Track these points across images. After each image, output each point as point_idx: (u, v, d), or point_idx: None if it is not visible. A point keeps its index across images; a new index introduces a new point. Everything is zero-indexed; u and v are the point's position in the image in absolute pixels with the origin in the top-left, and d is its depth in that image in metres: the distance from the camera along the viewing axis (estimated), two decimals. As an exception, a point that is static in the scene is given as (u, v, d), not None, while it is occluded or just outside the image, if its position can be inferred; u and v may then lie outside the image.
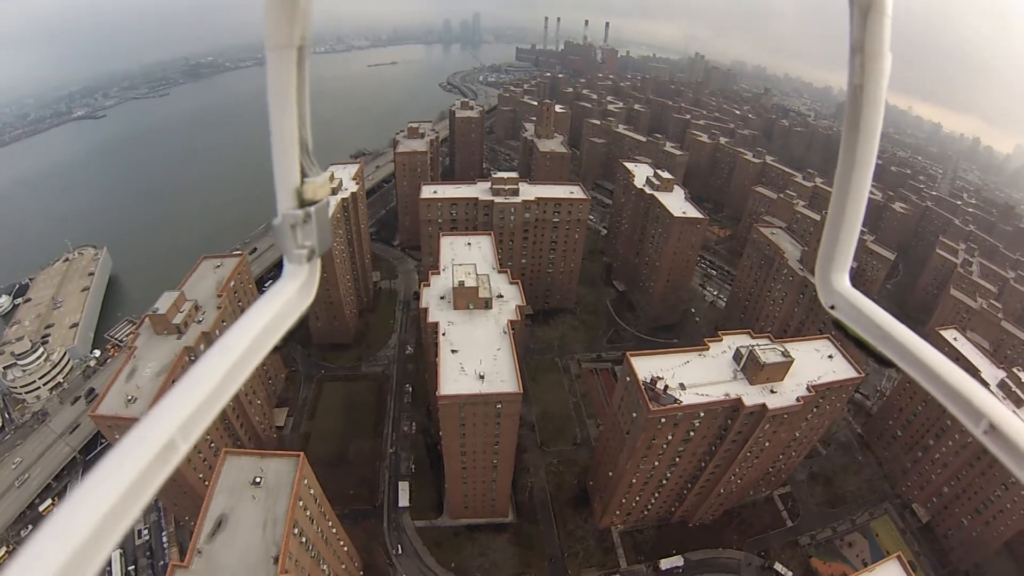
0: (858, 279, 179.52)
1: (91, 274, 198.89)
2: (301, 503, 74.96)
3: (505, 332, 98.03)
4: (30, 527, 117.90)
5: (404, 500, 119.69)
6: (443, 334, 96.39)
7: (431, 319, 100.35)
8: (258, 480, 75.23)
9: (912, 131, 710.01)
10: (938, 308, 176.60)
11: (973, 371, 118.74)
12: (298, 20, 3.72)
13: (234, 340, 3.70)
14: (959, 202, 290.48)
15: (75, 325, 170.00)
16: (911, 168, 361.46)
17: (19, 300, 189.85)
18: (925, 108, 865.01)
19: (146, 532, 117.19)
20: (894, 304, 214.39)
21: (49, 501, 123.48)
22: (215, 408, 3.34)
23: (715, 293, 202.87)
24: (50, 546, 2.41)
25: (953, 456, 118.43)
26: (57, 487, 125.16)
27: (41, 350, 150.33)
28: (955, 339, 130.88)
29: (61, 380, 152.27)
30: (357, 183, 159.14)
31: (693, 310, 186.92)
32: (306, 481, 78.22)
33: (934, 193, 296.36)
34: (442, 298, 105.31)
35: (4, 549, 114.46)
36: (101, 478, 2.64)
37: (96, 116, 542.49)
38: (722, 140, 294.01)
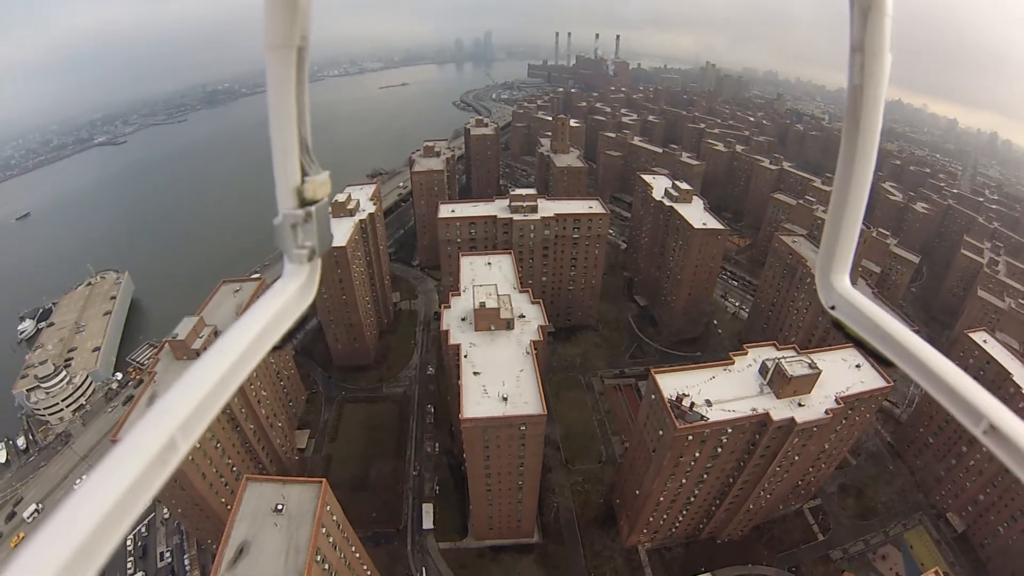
0: (882, 284, 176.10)
1: (113, 298, 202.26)
2: (324, 530, 73.72)
3: (528, 353, 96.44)
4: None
5: (428, 522, 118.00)
6: (465, 356, 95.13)
7: (452, 341, 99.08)
8: (280, 507, 74.12)
9: (928, 129, 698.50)
10: (965, 310, 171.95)
11: (1004, 374, 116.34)
12: (298, 20, 3.70)
13: (234, 339, 3.66)
14: (981, 199, 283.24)
15: (97, 349, 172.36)
16: (930, 167, 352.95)
17: (43, 324, 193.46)
18: (940, 105, 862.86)
19: (168, 555, 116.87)
20: (920, 308, 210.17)
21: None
22: (215, 407, 3.32)
23: (737, 304, 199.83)
24: (51, 545, 2.40)
25: (988, 462, 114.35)
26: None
27: (64, 373, 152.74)
28: (984, 341, 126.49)
29: (84, 403, 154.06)
30: (374, 203, 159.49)
31: (715, 322, 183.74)
32: (329, 508, 76.97)
33: (955, 191, 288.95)
34: (463, 319, 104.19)
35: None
36: (102, 478, 2.66)
37: (117, 142, 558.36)
38: (738, 148, 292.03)
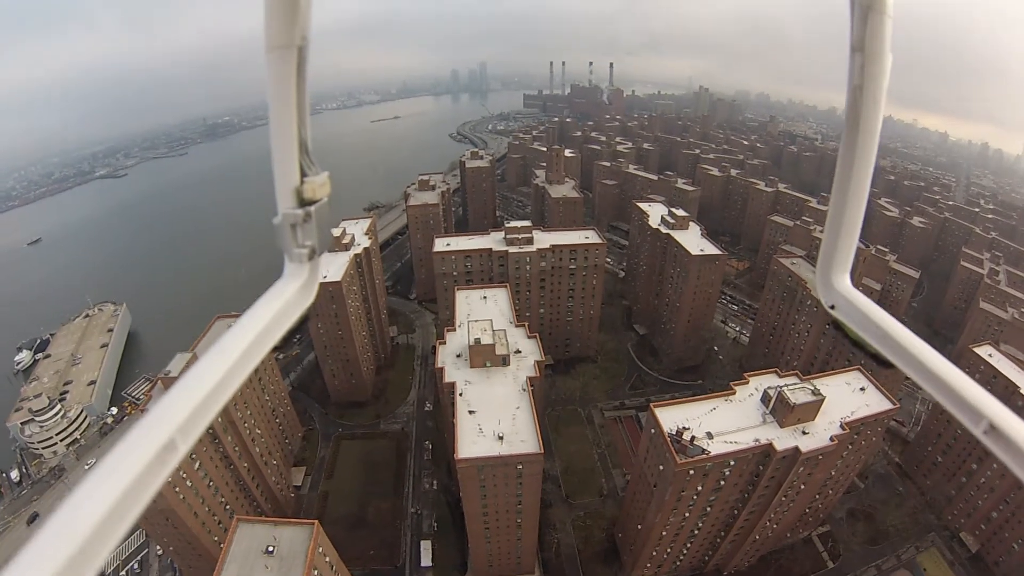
0: (883, 301, 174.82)
1: (110, 330, 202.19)
2: (316, 572, 72.29)
3: (524, 390, 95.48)
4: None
5: (427, 560, 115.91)
6: (460, 394, 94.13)
7: (447, 379, 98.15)
8: (271, 549, 72.91)
9: (920, 143, 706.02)
10: (968, 323, 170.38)
11: (1012, 388, 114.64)
12: (299, 20, 3.72)
13: (234, 340, 3.68)
14: (977, 209, 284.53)
15: (93, 382, 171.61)
16: (924, 180, 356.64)
17: (40, 355, 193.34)
18: (930, 119, 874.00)
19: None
20: (923, 323, 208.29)
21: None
22: (215, 408, 3.36)
23: (737, 329, 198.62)
24: (51, 545, 2.41)
25: (999, 479, 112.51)
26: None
27: (58, 407, 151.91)
28: (990, 355, 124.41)
29: (78, 437, 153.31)
30: (370, 238, 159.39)
31: (716, 348, 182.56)
32: (321, 549, 75.61)
33: (951, 203, 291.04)
34: (458, 356, 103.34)
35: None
36: (101, 478, 2.66)
37: (117, 175, 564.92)
38: (733, 172, 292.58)
